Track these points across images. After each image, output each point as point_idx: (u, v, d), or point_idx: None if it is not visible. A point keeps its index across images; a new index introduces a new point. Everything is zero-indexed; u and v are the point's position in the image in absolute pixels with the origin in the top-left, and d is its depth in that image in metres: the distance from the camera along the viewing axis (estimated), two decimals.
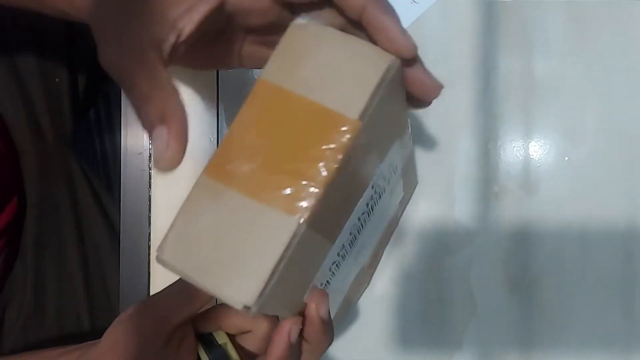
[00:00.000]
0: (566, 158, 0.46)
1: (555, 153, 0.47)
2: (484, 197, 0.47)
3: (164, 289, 0.36)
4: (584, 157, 0.46)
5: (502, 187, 0.47)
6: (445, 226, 0.47)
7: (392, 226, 0.46)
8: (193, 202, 0.27)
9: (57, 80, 0.63)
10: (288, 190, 0.26)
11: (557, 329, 0.46)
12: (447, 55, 0.47)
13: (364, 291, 0.47)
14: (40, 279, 0.60)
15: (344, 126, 0.26)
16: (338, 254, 0.32)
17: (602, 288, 0.46)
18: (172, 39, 0.28)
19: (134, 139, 0.48)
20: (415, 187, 0.46)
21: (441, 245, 0.47)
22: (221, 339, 0.37)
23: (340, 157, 0.26)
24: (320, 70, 0.27)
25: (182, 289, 0.35)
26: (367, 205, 0.33)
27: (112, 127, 0.67)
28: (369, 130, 0.27)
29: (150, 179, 0.48)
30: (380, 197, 0.35)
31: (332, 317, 0.35)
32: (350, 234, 0.33)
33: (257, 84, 0.27)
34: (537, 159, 0.47)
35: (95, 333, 0.57)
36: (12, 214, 0.59)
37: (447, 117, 0.47)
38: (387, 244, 0.46)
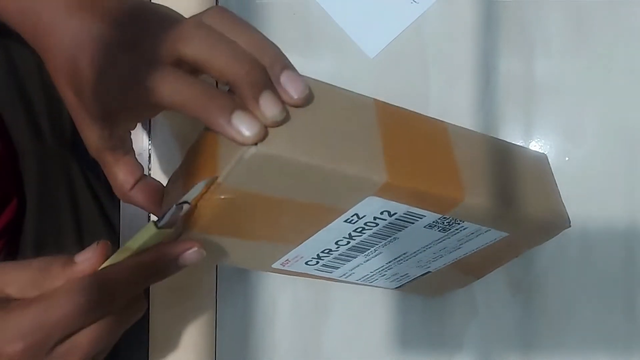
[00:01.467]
0: (566, 158, 0.46)
1: (556, 153, 0.46)
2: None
3: None
4: (584, 157, 0.46)
5: None
6: None
7: (503, 254, 0.41)
8: (178, 170, 0.36)
9: None
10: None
11: (558, 329, 0.46)
12: (447, 55, 0.47)
13: (463, 286, 0.45)
14: None
15: (213, 180, 0.30)
16: (325, 252, 0.36)
17: (603, 289, 0.46)
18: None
19: (134, 140, 0.48)
20: (558, 231, 0.39)
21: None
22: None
23: (205, 202, 0.30)
24: None
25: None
26: (358, 232, 0.34)
27: None
28: (244, 188, 0.30)
29: None
30: (392, 230, 0.35)
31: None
32: (340, 245, 0.35)
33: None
34: None
35: None
36: (11, 215, 0.58)
37: (447, 117, 0.47)
38: (500, 264, 0.42)
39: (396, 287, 0.42)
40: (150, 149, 0.48)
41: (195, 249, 0.33)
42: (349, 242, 0.35)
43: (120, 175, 0.35)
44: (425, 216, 0.34)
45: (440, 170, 0.34)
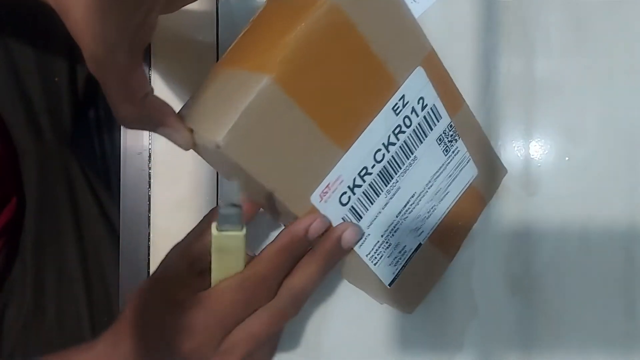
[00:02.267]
0: (567, 158, 0.46)
1: (556, 153, 0.46)
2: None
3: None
4: (584, 156, 0.46)
5: (502, 187, 0.47)
6: None
7: (461, 218, 0.45)
8: (203, 85, 0.36)
9: (56, 79, 0.63)
10: (263, 57, 0.32)
11: (557, 329, 0.46)
12: (447, 55, 0.47)
13: (436, 280, 0.46)
14: (40, 279, 0.60)
15: (314, 4, 0.31)
16: (361, 176, 0.37)
17: (603, 288, 0.46)
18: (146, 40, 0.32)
19: (134, 139, 0.48)
20: (502, 176, 0.46)
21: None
22: None
23: (303, 25, 0.31)
24: None
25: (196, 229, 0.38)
26: (395, 134, 0.37)
27: (112, 126, 0.67)
28: (346, 11, 0.32)
29: (149, 178, 0.48)
30: (418, 137, 0.38)
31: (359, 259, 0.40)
32: (377, 161, 0.37)
33: None
34: (537, 158, 0.47)
35: (95, 333, 0.57)
36: (11, 214, 0.59)
37: None
38: (469, 229, 0.46)
39: (389, 283, 0.42)
40: (150, 149, 0.48)
41: (350, 228, 0.36)
42: (383, 158, 0.37)
43: (134, 83, 0.32)
44: (442, 118, 0.39)
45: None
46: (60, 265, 0.61)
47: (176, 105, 0.48)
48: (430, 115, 0.39)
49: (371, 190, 0.38)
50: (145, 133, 0.48)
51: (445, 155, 0.41)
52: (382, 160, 0.37)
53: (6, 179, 0.59)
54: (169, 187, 0.48)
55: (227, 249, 0.35)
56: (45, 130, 0.62)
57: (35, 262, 0.60)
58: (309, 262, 0.36)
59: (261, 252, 0.35)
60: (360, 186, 0.37)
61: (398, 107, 0.36)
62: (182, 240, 0.38)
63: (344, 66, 0.33)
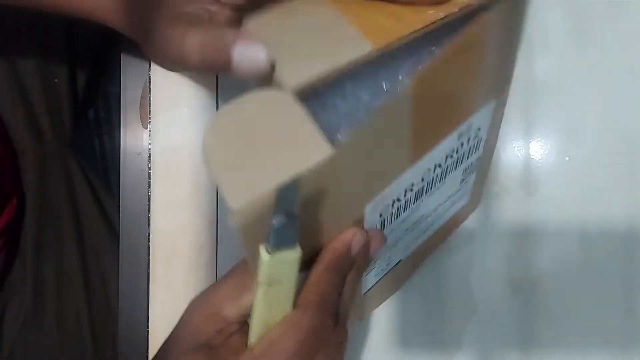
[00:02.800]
0: (567, 158, 0.46)
1: (556, 153, 0.46)
2: (484, 197, 0.47)
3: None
4: (584, 157, 0.46)
5: (502, 187, 0.47)
6: None
7: (436, 239, 0.44)
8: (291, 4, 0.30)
9: (56, 80, 0.63)
10: (378, 22, 0.27)
11: (557, 329, 0.46)
12: None
13: (396, 291, 0.46)
14: (40, 279, 0.60)
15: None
16: (405, 191, 0.33)
17: (602, 288, 0.46)
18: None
19: (133, 139, 0.48)
20: (475, 209, 0.45)
21: (441, 245, 0.47)
22: None
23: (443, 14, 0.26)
24: None
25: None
26: (446, 158, 0.34)
27: (112, 127, 0.67)
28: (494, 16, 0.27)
29: (149, 179, 0.48)
30: (456, 164, 0.35)
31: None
32: (422, 180, 0.34)
33: None
34: (537, 159, 0.47)
35: (95, 333, 0.57)
36: (11, 214, 0.59)
37: None
38: (430, 252, 0.45)
39: (365, 292, 0.41)
40: (150, 149, 0.48)
41: (380, 236, 0.33)
42: (427, 178, 0.35)
43: (191, 8, 0.30)
44: (478, 150, 0.37)
45: None
46: (60, 265, 0.61)
47: (177, 103, 0.48)
48: (474, 145, 0.36)
49: (404, 206, 0.36)
50: (145, 133, 0.48)
51: (459, 185, 0.39)
52: (424, 179, 0.35)
53: (6, 179, 0.59)
54: (169, 187, 0.48)
55: (279, 278, 0.28)
56: (45, 131, 0.62)
57: (35, 262, 0.60)
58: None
59: (307, 280, 0.30)
60: (399, 200, 0.35)
61: (462, 133, 0.34)
62: (206, 301, 0.32)
63: (452, 82, 0.30)
